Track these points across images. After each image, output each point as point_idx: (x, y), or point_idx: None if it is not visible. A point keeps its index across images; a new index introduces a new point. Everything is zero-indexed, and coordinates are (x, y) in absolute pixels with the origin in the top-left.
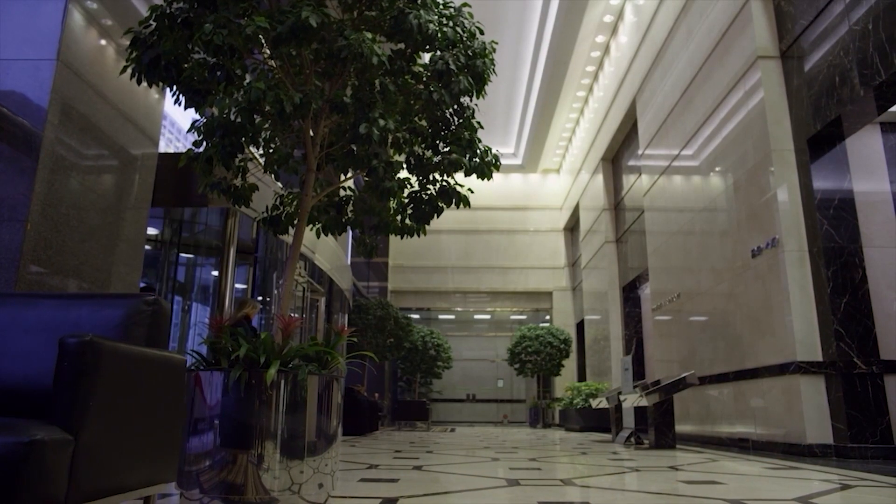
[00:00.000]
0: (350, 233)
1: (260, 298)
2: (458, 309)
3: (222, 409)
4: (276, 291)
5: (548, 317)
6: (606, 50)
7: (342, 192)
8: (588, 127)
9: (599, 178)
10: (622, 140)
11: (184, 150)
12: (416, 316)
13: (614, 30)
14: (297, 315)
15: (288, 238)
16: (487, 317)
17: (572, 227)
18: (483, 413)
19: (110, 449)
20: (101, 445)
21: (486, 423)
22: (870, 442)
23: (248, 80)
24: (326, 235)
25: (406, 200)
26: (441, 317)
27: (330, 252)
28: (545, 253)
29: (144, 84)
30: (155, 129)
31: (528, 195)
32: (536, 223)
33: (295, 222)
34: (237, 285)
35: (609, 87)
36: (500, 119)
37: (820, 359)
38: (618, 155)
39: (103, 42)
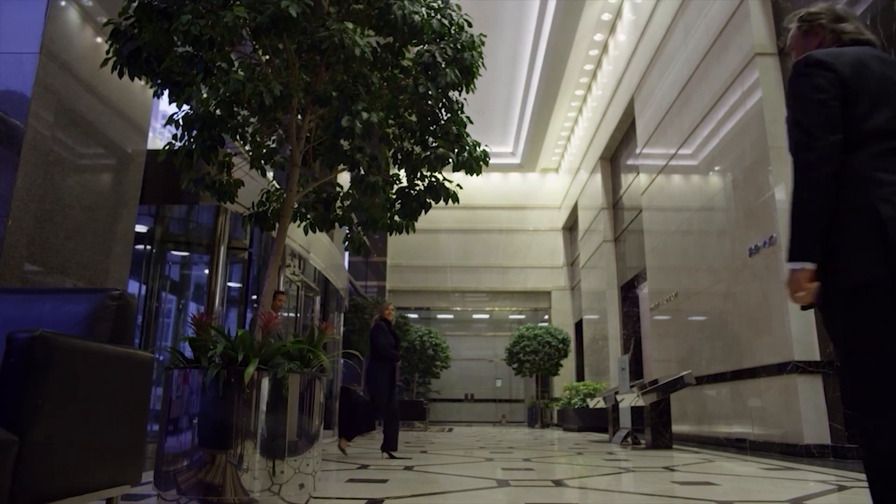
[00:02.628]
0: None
1: (255, 297)
2: (457, 308)
3: (200, 408)
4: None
5: (546, 316)
6: (605, 48)
7: (334, 189)
8: (587, 126)
9: (598, 177)
10: (620, 139)
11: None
12: (414, 315)
13: (612, 28)
14: (287, 314)
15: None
16: (486, 316)
17: (571, 227)
18: (481, 413)
19: (64, 449)
20: (52, 446)
21: (484, 422)
22: None
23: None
24: (315, 232)
25: (394, 196)
26: (440, 316)
27: (325, 251)
28: (544, 252)
29: (137, 78)
30: (145, 123)
31: (527, 194)
32: (535, 222)
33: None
34: (229, 283)
35: (607, 85)
36: (499, 118)
37: (817, 358)
38: (616, 154)
39: (91, 34)
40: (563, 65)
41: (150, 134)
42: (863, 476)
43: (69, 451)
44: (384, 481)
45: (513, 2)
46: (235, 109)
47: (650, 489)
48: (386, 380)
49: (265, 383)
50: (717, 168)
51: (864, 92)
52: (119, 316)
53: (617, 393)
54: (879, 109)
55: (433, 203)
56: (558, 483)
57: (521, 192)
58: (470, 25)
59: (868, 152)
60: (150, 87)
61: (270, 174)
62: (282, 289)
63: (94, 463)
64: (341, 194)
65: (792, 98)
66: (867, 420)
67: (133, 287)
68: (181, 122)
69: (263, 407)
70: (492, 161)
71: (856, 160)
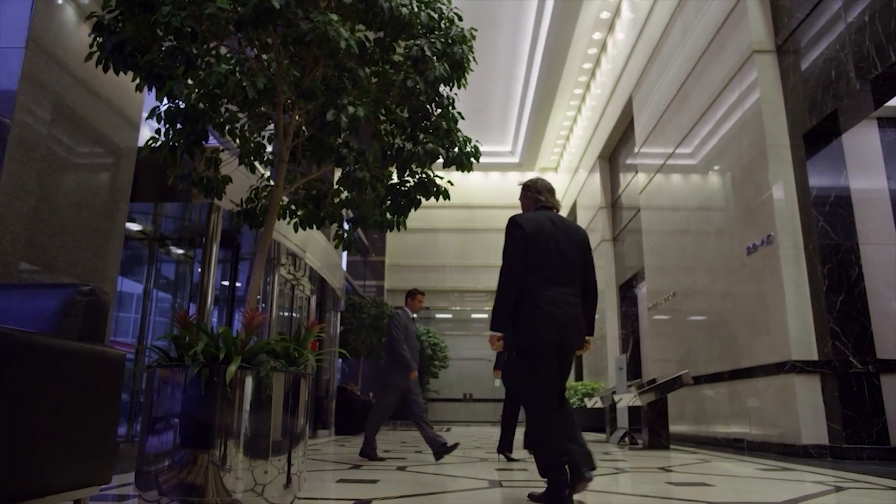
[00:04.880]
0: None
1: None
2: (456, 308)
3: (182, 407)
4: (268, 289)
5: None
6: (603, 47)
7: (324, 185)
8: (585, 125)
9: (596, 176)
10: (619, 138)
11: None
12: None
13: (611, 27)
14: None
15: (278, 235)
16: (485, 316)
17: None
18: (480, 413)
19: (25, 449)
20: (11, 445)
21: (483, 422)
22: (865, 442)
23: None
24: (304, 229)
25: (384, 193)
26: (438, 316)
27: (321, 250)
28: None
29: (123, 72)
30: (138, 118)
31: None
32: None
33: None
34: (223, 282)
35: (606, 84)
36: (497, 117)
37: (815, 358)
38: (615, 153)
39: (84, 27)
40: (562, 63)
41: (148, 130)
42: (860, 477)
43: (30, 450)
44: (375, 482)
45: (511, 0)
46: (222, 103)
47: (644, 490)
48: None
49: (248, 382)
50: (715, 167)
51: (536, 243)
52: (89, 312)
53: (614, 393)
54: (543, 253)
55: (423, 199)
56: None
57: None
58: (460, 19)
59: (534, 278)
60: (132, 81)
61: (267, 172)
62: (276, 288)
63: (59, 463)
64: (331, 191)
65: (504, 240)
66: (530, 409)
67: (130, 286)
68: (163, 116)
69: (246, 406)
70: (490, 160)
71: (530, 281)
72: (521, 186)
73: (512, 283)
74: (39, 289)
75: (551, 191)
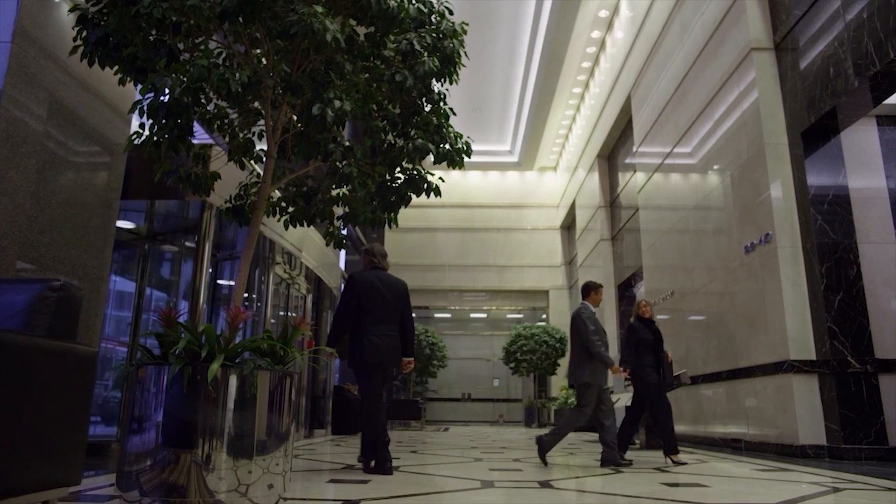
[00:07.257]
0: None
1: (246, 295)
2: (454, 307)
3: (164, 406)
4: (263, 288)
5: (544, 315)
6: (602, 45)
7: (315, 182)
8: (584, 124)
9: (595, 175)
10: (618, 137)
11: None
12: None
13: (610, 25)
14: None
15: (274, 234)
16: (483, 315)
17: (569, 226)
18: (479, 412)
19: None
20: None
21: (481, 422)
22: (863, 443)
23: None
24: (295, 226)
25: (374, 189)
26: (437, 315)
27: (317, 249)
28: (542, 251)
29: (108, 66)
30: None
31: (525, 193)
32: (533, 221)
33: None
34: (220, 281)
35: (605, 83)
36: (496, 116)
37: (813, 357)
38: (613, 152)
39: (71, 20)
40: (561, 62)
41: (142, 127)
42: (858, 477)
43: None
44: (366, 482)
45: None
46: (210, 98)
47: (636, 491)
48: (653, 378)
49: (232, 380)
50: (713, 166)
51: (368, 293)
52: (59, 308)
53: (612, 392)
54: (372, 301)
55: (414, 196)
56: (544, 484)
57: (519, 191)
58: (451, 13)
59: (366, 318)
60: (115, 75)
61: (261, 169)
62: (271, 287)
63: (24, 463)
64: (322, 187)
65: (342, 290)
66: (365, 405)
67: (125, 284)
68: (146, 111)
69: (230, 405)
70: (489, 159)
71: (363, 320)
72: (363, 250)
73: (344, 319)
74: (9, 284)
75: (383, 255)
